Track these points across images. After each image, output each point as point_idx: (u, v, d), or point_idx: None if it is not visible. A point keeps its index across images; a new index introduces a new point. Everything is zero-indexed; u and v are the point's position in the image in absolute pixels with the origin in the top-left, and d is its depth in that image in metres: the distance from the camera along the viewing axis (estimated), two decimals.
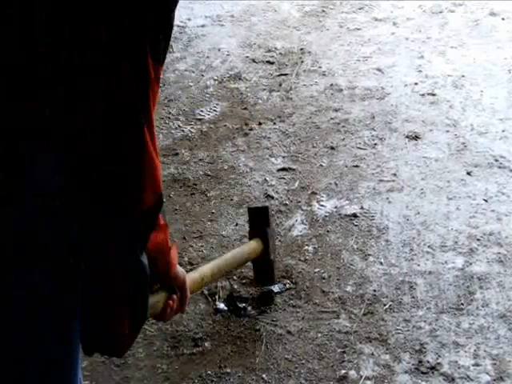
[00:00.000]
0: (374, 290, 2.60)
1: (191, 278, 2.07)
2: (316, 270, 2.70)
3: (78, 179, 1.33)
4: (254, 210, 2.61)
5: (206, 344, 2.42)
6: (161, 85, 3.82)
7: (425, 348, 2.38)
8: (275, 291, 2.58)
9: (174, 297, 1.72)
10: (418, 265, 2.70)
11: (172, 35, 1.39)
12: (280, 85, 3.83)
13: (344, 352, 2.38)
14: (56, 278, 1.35)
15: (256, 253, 2.50)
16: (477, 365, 2.32)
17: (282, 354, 2.38)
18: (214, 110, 3.63)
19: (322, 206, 3.00)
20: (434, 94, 3.69)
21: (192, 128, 3.51)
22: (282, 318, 2.51)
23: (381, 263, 2.71)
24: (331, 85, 3.81)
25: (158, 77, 1.42)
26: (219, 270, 2.32)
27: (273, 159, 3.29)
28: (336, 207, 2.99)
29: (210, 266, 2.28)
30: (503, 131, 3.41)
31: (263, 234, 2.53)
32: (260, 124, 3.52)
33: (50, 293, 1.35)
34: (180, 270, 1.71)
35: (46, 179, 1.31)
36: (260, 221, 2.55)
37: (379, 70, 3.92)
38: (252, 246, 2.51)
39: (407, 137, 3.40)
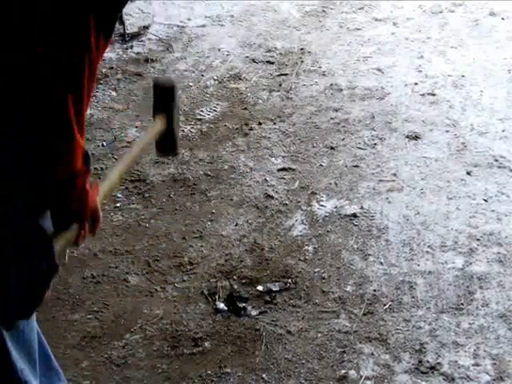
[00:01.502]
0: (374, 290, 2.60)
1: (101, 190, 1.99)
2: (316, 269, 2.70)
3: None
4: (160, 87, 2.46)
5: (206, 344, 2.42)
6: None
7: (425, 348, 2.38)
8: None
9: (86, 225, 1.75)
10: (418, 265, 2.70)
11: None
12: (280, 85, 3.83)
13: (344, 352, 2.38)
14: None
15: (160, 130, 2.40)
16: (477, 365, 2.32)
17: (282, 353, 2.38)
18: (214, 110, 3.63)
19: (322, 206, 3.00)
20: (433, 94, 3.69)
21: (192, 128, 3.51)
22: (282, 317, 2.51)
23: (381, 263, 2.71)
24: (331, 85, 3.81)
25: (102, 51, 1.46)
26: (128, 165, 2.29)
27: (273, 159, 3.29)
28: (336, 207, 2.99)
29: (118, 169, 2.19)
30: (503, 131, 3.41)
31: (168, 109, 2.41)
32: (260, 124, 3.52)
33: None
34: (94, 197, 1.74)
35: None
36: (165, 98, 2.43)
37: (379, 69, 3.93)
38: (156, 126, 2.40)
39: (407, 137, 3.40)
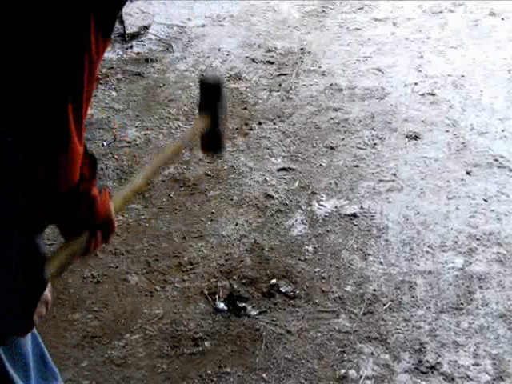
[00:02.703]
0: (374, 290, 2.60)
1: (121, 195, 1.95)
2: (316, 269, 2.70)
3: None
4: (206, 84, 2.41)
5: (206, 344, 2.42)
6: (161, 85, 3.83)
7: (425, 348, 2.38)
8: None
9: (98, 234, 1.69)
10: (418, 264, 2.70)
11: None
12: (280, 85, 3.83)
13: (344, 352, 2.38)
14: None
15: (202, 129, 2.37)
16: (476, 364, 2.32)
17: (282, 353, 2.38)
18: None
19: (322, 205, 3.01)
20: (433, 94, 3.69)
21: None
22: (282, 317, 2.51)
23: (381, 263, 2.72)
24: (331, 85, 3.81)
25: (102, 52, 1.41)
26: (158, 168, 2.21)
27: (273, 159, 3.29)
28: (336, 207, 2.99)
29: (144, 172, 2.10)
30: (503, 131, 3.41)
31: (213, 107, 2.37)
32: (260, 124, 3.53)
33: None
34: (105, 204, 1.67)
35: None
36: (210, 95, 2.38)
37: (379, 70, 3.93)
38: (197, 125, 2.38)
39: (407, 137, 3.40)
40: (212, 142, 2.41)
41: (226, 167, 3.24)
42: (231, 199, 3.06)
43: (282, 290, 2.60)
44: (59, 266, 1.66)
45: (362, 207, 2.98)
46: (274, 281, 2.64)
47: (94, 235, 1.67)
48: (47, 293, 1.54)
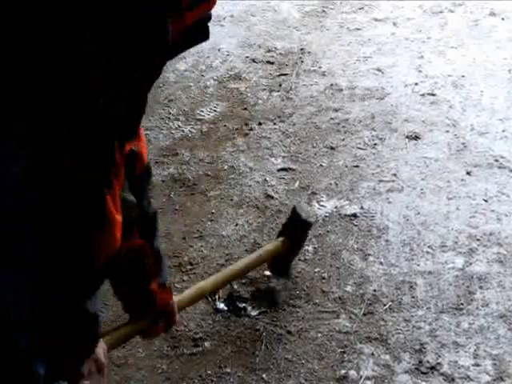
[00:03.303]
0: (374, 290, 2.60)
1: (188, 295, 2.22)
2: (316, 269, 2.70)
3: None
4: (299, 217, 2.57)
5: (206, 344, 2.42)
6: (161, 85, 3.83)
7: (425, 348, 2.38)
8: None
9: (161, 322, 1.89)
10: (418, 265, 2.70)
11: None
12: (280, 85, 3.83)
13: (344, 352, 2.38)
14: None
15: (276, 252, 2.54)
16: (477, 365, 2.32)
17: (282, 354, 2.38)
18: (214, 110, 3.62)
19: (322, 206, 3.00)
20: (433, 94, 3.69)
21: (192, 128, 3.51)
22: (282, 317, 2.51)
23: (381, 263, 2.71)
24: (331, 85, 3.81)
25: (124, 154, 1.45)
26: (229, 278, 2.40)
27: (273, 159, 3.29)
28: (336, 207, 2.99)
29: (213, 279, 2.34)
30: (503, 131, 3.41)
31: (296, 239, 2.58)
32: (260, 124, 3.52)
33: None
34: (164, 298, 1.87)
35: None
36: (299, 228, 2.58)
37: (379, 70, 3.92)
38: (273, 247, 2.54)
39: (407, 137, 3.40)
40: (280, 267, 2.60)
41: (225, 167, 3.24)
42: (231, 199, 3.06)
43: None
44: (116, 337, 1.87)
45: (362, 207, 2.98)
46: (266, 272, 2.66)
47: (156, 322, 1.87)
48: (100, 352, 1.60)
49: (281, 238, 2.56)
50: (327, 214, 2.96)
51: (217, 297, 2.58)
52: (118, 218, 1.40)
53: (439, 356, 2.35)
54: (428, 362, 2.33)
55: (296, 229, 2.57)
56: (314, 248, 2.79)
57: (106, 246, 1.40)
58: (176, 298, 2.00)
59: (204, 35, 1.46)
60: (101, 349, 1.61)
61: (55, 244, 1.33)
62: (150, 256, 1.72)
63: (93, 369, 1.56)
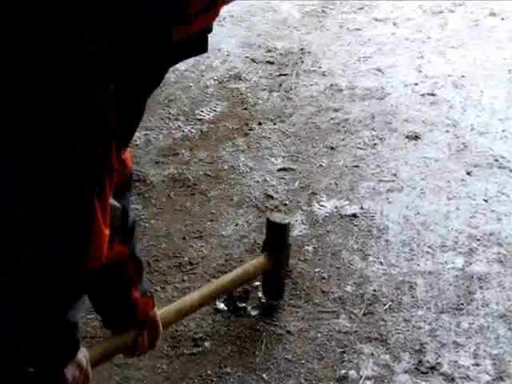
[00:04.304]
0: (374, 290, 2.60)
1: (170, 309, 2.13)
2: (316, 269, 2.70)
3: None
4: (274, 224, 2.46)
5: (206, 344, 2.42)
6: (161, 85, 3.82)
7: (425, 348, 2.38)
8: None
9: (145, 333, 1.81)
10: (418, 265, 2.70)
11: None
12: (280, 85, 3.83)
13: (344, 352, 2.38)
14: None
15: (264, 268, 2.44)
16: (477, 365, 2.32)
17: (282, 354, 2.38)
18: (214, 110, 3.62)
19: (322, 206, 3.00)
20: (433, 94, 3.69)
21: (192, 128, 3.51)
22: (282, 317, 2.51)
23: (381, 263, 2.71)
24: (331, 85, 3.80)
25: (121, 160, 1.43)
26: (214, 293, 2.32)
27: (273, 159, 3.29)
28: (336, 207, 2.99)
29: (200, 292, 2.25)
30: (503, 131, 3.41)
31: (277, 249, 2.44)
32: (260, 124, 3.52)
33: None
34: (147, 308, 1.80)
35: None
36: (278, 236, 2.45)
37: (379, 70, 3.92)
38: (260, 261, 2.44)
39: (407, 137, 3.40)
40: (271, 287, 2.49)
41: (226, 167, 3.24)
42: (231, 199, 3.05)
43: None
44: (99, 352, 1.81)
45: (362, 207, 2.98)
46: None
47: (141, 334, 1.80)
48: (82, 359, 1.57)
49: (265, 254, 2.45)
50: (327, 214, 2.96)
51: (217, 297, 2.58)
52: (106, 231, 1.36)
53: (439, 356, 2.35)
54: (428, 361, 2.33)
55: (276, 237, 2.45)
56: (314, 248, 2.79)
57: (90, 261, 1.37)
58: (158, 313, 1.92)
59: (204, 47, 1.44)
60: (83, 357, 1.58)
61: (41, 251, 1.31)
62: (130, 260, 1.68)
63: (77, 375, 1.55)
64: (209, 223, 2.93)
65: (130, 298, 1.70)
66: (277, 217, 2.53)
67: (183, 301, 2.19)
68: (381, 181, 3.13)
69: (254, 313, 2.52)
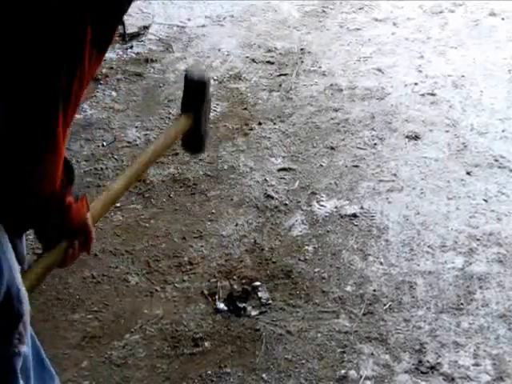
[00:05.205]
0: (374, 290, 2.60)
1: (100, 204, 1.90)
2: (316, 269, 2.70)
3: None
4: (191, 82, 2.29)
5: (206, 344, 2.42)
6: (161, 85, 3.83)
7: (425, 348, 2.38)
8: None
9: (76, 243, 1.67)
10: (418, 265, 2.70)
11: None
12: (280, 85, 3.83)
13: (344, 352, 2.38)
14: None
15: (184, 130, 2.25)
16: (477, 365, 2.32)
17: (282, 354, 2.38)
18: (214, 110, 3.62)
19: (322, 206, 3.00)
20: (433, 94, 3.69)
21: None
22: (282, 318, 2.51)
23: (381, 263, 2.71)
24: (331, 85, 3.81)
25: (95, 66, 1.43)
26: (138, 172, 2.09)
27: (273, 159, 3.29)
28: (336, 207, 2.99)
29: (124, 177, 2.02)
30: (503, 131, 3.41)
31: (196, 106, 2.25)
32: (260, 124, 3.52)
33: None
34: (80, 212, 1.66)
35: None
36: (195, 94, 2.27)
37: (379, 70, 3.92)
38: (180, 125, 2.26)
39: (407, 137, 3.40)
40: (193, 143, 2.32)
41: (226, 167, 3.24)
42: (231, 199, 3.06)
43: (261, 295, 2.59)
44: (35, 278, 1.65)
45: (362, 207, 2.98)
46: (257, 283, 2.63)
47: (72, 244, 1.65)
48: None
49: (184, 114, 2.26)
50: (327, 214, 2.96)
51: (217, 297, 2.59)
52: (63, 153, 1.42)
53: (439, 356, 2.35)
54: (428, 361, 2.33)
55: (194, 95, 2.26)
56: (314, 248, 2.79)
57: (51, 177, 1.41)
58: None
59: None
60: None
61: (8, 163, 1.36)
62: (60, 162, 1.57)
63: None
64: (209, 223, 2.93)
65: (65, 204, 1.57)
66: (194, 72, 2.35)
67: (108, 192, 1.96)
68: (381, 181, 3.13)
69: (254, 313, 2.53)
